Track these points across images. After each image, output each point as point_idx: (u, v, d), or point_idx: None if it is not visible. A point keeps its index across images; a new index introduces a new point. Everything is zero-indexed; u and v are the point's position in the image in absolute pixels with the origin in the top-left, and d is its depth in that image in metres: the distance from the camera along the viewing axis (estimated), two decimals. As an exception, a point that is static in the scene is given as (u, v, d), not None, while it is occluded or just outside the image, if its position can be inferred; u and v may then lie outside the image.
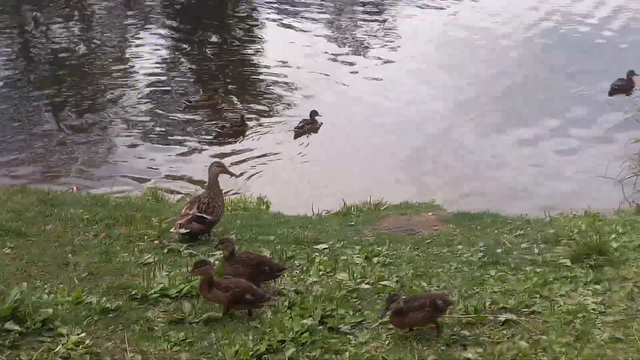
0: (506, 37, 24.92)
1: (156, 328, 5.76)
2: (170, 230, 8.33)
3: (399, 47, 24.25)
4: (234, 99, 20.00)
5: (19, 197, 10.02)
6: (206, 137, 17.61)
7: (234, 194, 13.89)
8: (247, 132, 17.71)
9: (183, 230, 8.25)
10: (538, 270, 7.28)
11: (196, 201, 8.60)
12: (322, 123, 18.15)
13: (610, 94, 19.38)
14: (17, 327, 5.30)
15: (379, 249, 8.21)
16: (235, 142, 17.30)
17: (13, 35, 24.72)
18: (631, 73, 19.34)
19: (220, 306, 6.07)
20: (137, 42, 24.62)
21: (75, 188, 13.14)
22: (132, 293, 6.32)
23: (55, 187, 13.08)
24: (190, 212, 8.37)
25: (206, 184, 9.06)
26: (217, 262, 7.13)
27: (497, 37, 25.02)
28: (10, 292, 5.55)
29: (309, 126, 17.94)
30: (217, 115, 18.71)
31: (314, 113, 18.09)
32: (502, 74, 21.51)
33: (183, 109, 18.92)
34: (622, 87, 19.41)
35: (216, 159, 11.87)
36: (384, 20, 27.76)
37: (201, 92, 20.16)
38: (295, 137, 17.71)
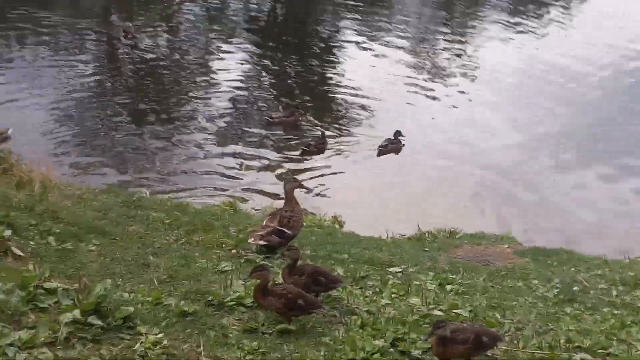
0: (597, 67, 24.62)
1: (230, 335, 5.85)
2: (249, 241, 8.44)
3: (481, 75, 24.10)
4: (313, 116, 20.17)
5: (104, 197, 10.35)
6: (285, 152, 17.77)
7: (309, 209, 13.93)
8: (327, 149, 17.86)
9: (262, 242, 8.34)
10: (616, 312, 7.16)
11: (277, 215, 8.63)
12: (404, 144, 18.18)
13: None
14: (99, 322, 5.44)
15: (453, 276, 8.18)
16: (315, 158, 17.45)
17: (101, 41, 25.45)
18: None
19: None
20: (221, 55, 25.01)
21: None
22: (209, 299, 6.44)
23: (134, 189, 13.44)
24: (271, 225, 8.44)
25: (284, 199, 9.13)
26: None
27: (589, 65, 24.74)
28: (95, 288, 5.72)
29: (392, 146, 18.01)
30: (296, 131, 18.92)
31: (397, 133, 18.15)
32: (588, 108, 21.24)
33: (265, 124, 19.17)
34: None
35: (292, 176, 12.01)
36: (467, 48, 27.61)
37: (281, 108, 20.39)
38: (379, 155, 17.82)
